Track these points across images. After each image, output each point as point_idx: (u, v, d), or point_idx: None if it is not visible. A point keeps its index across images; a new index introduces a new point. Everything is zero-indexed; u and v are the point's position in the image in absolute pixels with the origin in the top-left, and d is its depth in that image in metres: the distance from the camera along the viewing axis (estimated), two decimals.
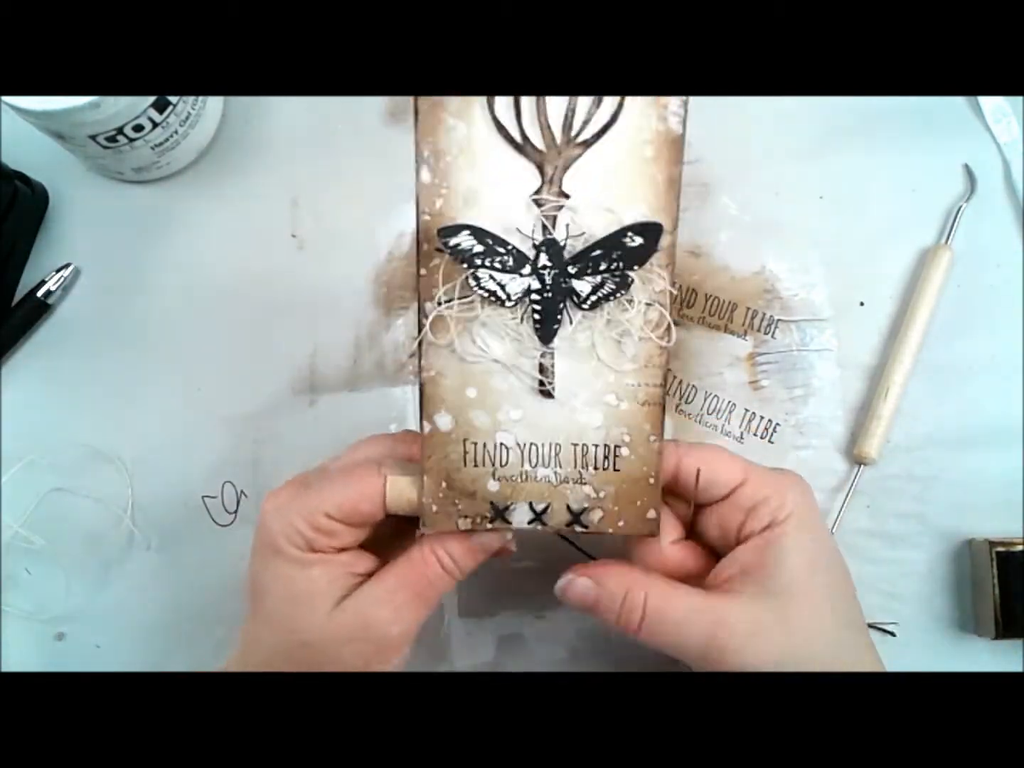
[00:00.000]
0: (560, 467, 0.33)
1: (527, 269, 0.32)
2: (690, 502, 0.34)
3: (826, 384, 0.45)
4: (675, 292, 0.32)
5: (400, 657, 0.34)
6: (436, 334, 0.32)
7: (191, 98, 0.43)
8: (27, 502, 0.44)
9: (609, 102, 0.32)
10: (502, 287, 0.32)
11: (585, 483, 0.33)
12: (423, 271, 0.32)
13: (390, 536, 0.36)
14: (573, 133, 0.32)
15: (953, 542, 0.44)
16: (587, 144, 0.32)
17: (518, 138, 0.32)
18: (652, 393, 0.33)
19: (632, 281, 0.32)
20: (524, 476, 0.33)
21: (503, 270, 0.32)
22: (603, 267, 0.32)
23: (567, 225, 0.32)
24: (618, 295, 0.32)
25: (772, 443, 0.45)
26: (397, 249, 0.46)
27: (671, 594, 0.32)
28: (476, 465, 0.33)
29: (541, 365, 0.33)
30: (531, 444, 0.33)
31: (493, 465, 0.33)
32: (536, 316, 0.32)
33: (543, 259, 0.32)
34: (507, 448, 0.33)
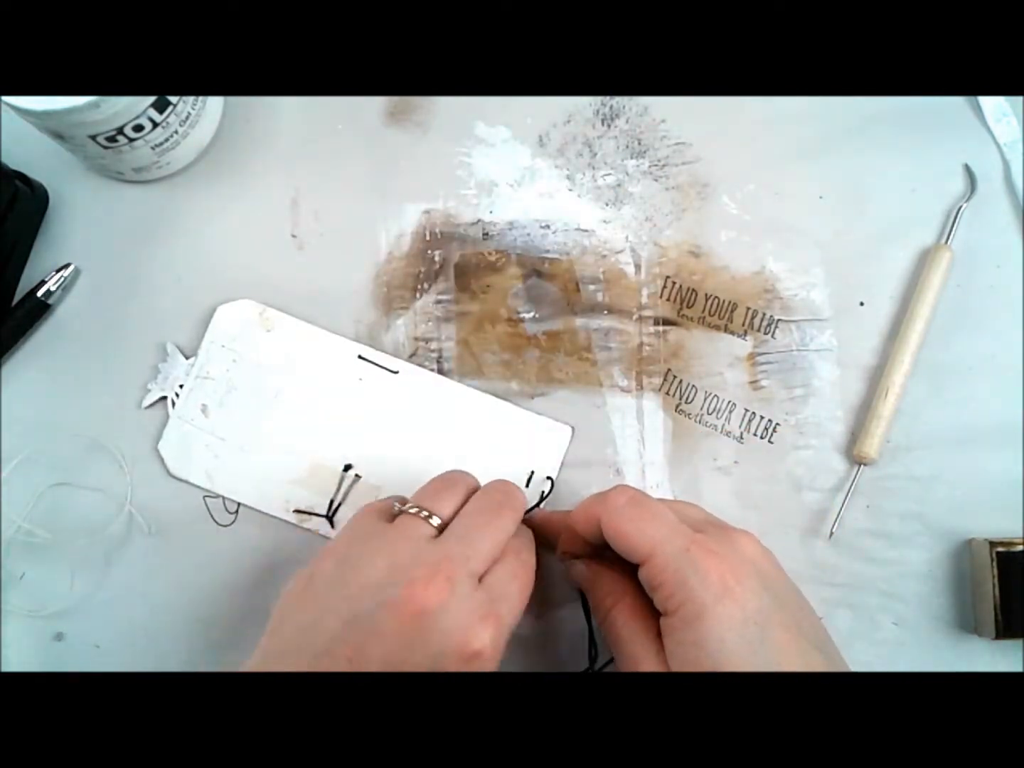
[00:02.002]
0: None
1: None
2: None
3: (826, 384, 0.45)
4: None
5: None
6: None
7: (191, 98, 0.43)
8: (26, 502, 0.44)
9: None
10: None
11: None
12: None
13: None
14: None
15: (953, 542, 0.44)
16: None
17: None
18: None
19: None
20: None
21: None
22: None
23: None
24: None
25: (772, 443, 0.45)
26: (397, 249, 0.46)
27: (626, 621, 0.35)
28: None
29: None
30: None
31: None
32: None
33: None
34: None
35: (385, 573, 0.33)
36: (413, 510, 0.36)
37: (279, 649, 0.34)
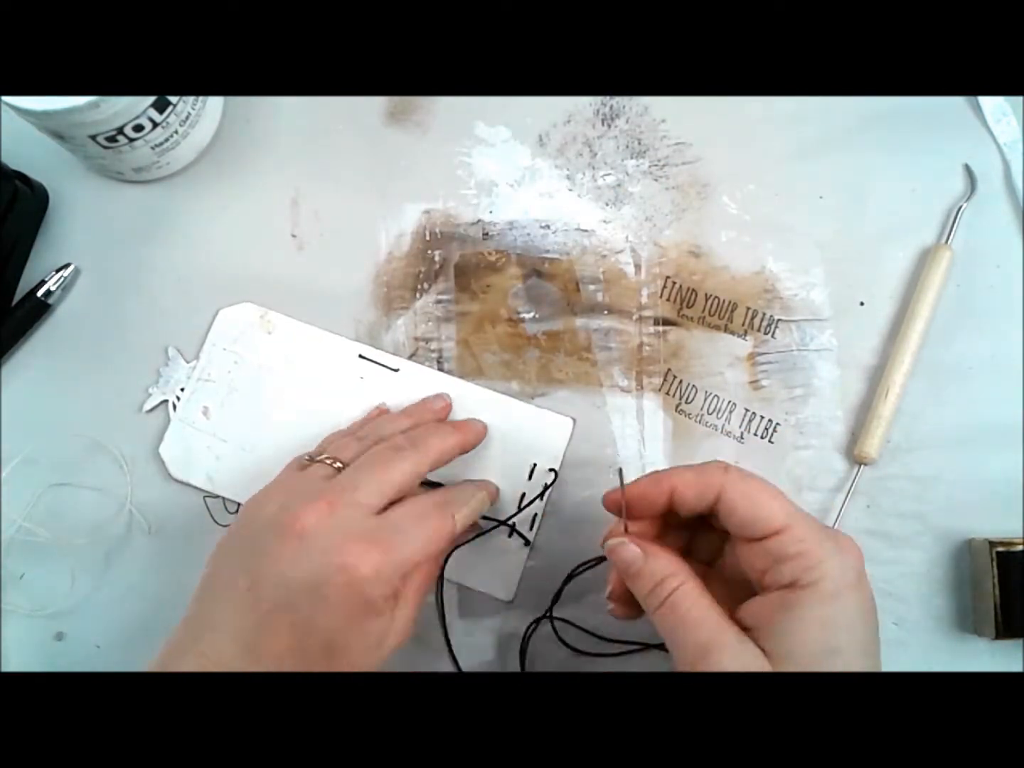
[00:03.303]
0: None
1: None
2: (721, 531, 0.34)
3: (826, 384, 0.45)
4: None
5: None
6: None
7: (191, 98, 0.43)
8: (26, 502, 0.44)
9: None
10: None
11: None
12: None
13: None
14: None
15: (953, 542, 0.44)
16: None
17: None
18: None
19: None
20: None
21: None
22: None
23: None
24: None
25: (772, 443, 0.45)
26: (397, 249, 0.46)
27: (696, 601, 0.32)
28: None
29: None
30: None
31: None
32: None
33: None
34: None
35: (279, 506, 0.36)
36: (320, 457, 0.38)
37: (199, 596, 0.36)
